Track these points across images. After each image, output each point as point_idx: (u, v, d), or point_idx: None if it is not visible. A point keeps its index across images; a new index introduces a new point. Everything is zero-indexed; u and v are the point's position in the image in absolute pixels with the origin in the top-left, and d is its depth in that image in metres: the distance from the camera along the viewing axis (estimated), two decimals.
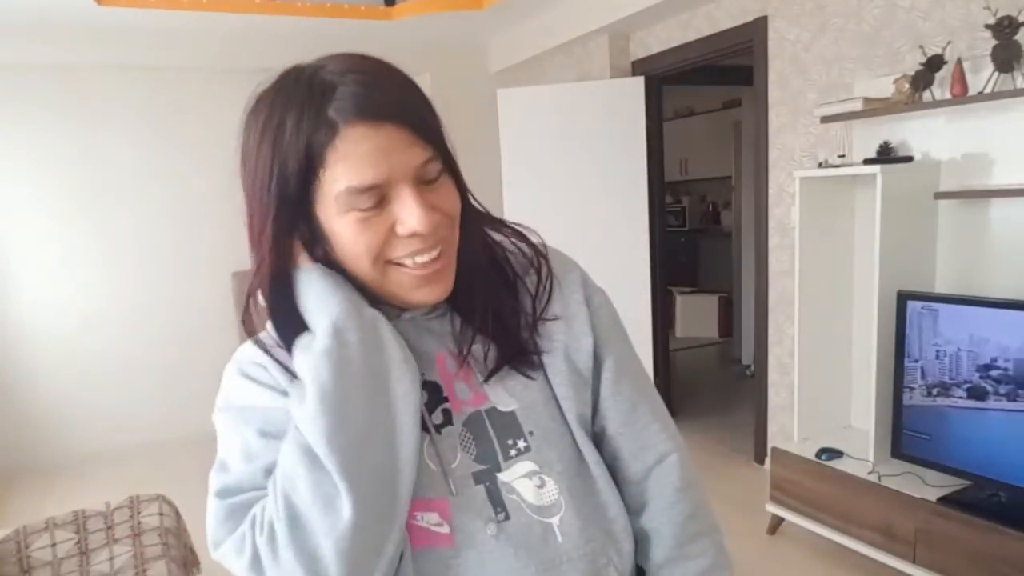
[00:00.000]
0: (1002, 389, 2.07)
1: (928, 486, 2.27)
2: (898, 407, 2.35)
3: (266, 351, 0.71)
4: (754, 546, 2.74)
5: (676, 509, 0.76)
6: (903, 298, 2.32)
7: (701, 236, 7.05)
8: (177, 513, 2.25)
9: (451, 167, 0.69)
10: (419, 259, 0.66)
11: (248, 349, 0.74)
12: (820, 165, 2.73)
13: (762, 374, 3.35)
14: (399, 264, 0.67)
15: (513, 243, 0.78)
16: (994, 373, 2.09)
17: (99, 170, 4.18)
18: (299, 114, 0.64)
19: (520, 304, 0.75)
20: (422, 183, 0.66)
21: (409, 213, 0.64)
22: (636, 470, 0.77)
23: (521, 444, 0.71)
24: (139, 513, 2.14)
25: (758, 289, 3.34)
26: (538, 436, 0.72)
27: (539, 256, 0.78)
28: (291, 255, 0.68)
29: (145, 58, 4.09)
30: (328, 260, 0.69)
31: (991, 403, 2.10)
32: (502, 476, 0.70)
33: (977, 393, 2.13)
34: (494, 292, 0.74)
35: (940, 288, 2.44)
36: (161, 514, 2.16)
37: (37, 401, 4.12)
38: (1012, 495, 2.08)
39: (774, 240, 3.19)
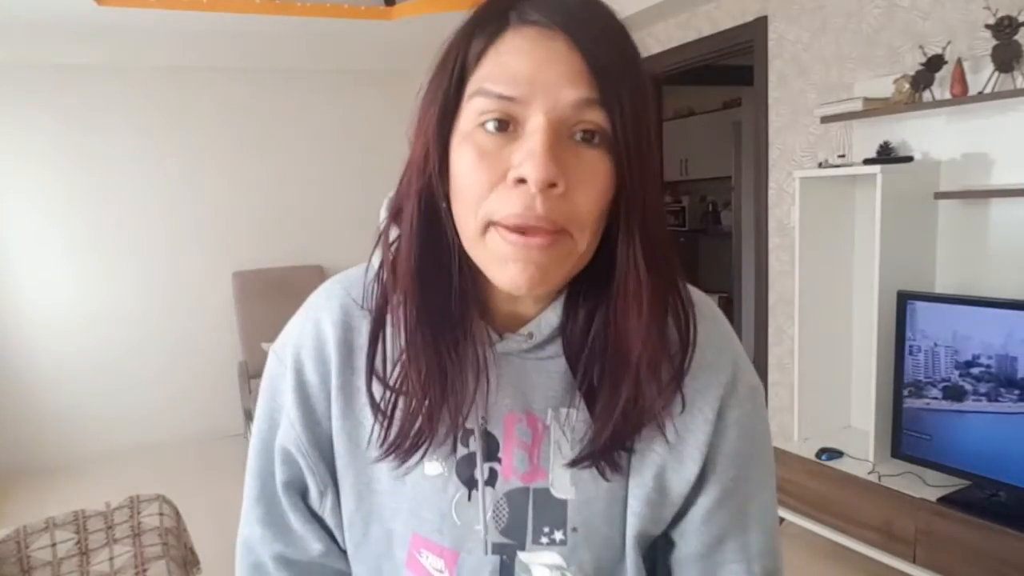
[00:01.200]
0: (1002, 390, 2.07)
1: (928, 486, 2.27)
2: (898, 407, 2.35)
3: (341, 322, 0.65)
4: None
5: None
6: (903, 298, 2.32)
7: (701, 236, 7.04)
8: (177, 513, 2.25)
9: (623, 150, 0.53)
10: (520, 223, 0.52)
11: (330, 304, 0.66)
12: (820, 165, 2.73)
13: (762, 374, 3.35)
14: (500, 225, 0.53)
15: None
16: (993, 373, 2.09)
17: (99, 170, 4.18)
18: (482, 17, 0.55)
19: (659, 391, 0.59)
20: (568, 134, 0.52)
21: (528, 152, 0.51)
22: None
23: (558, 536, 0.63)
24: (139, 513, 2.14)
25: (758, 289, 3.34)
26: (581, 535, 0.63)
27: (688, 328, 0.61)
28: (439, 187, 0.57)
29: (145, 58, 4.09)
30: (448, 220, 0.58)
31: (992, 403, 2.10)
32: (522, 555, 0.63)
33: (977, 393, 2.13)
34: (640, 367, 0.58)
35: (940, 288, 2.44)
36: (161, 514, 2.16)
37: (37, 401, 4.12)
38: (1012, 495, 2.08)
39: (774, 240, 3.19)
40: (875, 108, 2.45)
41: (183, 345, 4.41)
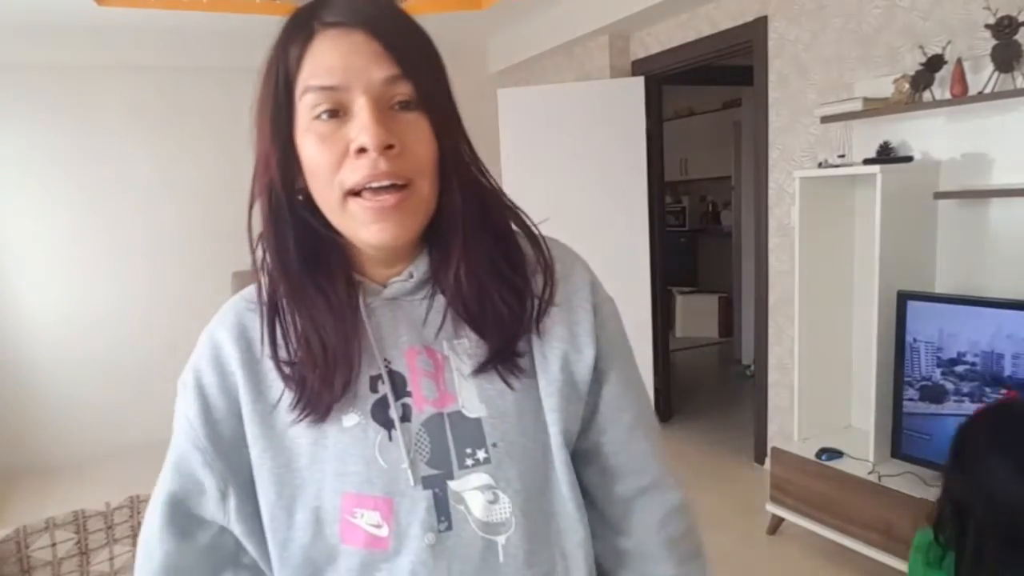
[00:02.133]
0: (1002, 390, 2.07)
1: (928, 486, 2.27)
2: (898, 407, 2.35)
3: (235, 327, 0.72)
4: (754, 546, 2.74)
5: (670, 528, 0.74)
6: (903, 298, 2.32)
7: (701, 236, 7.05)
8: None
9: (433, 108, 0.65)
10: (372, 185, 0.62)
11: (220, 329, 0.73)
12: (820, 165, 2.73)
13: (762, 374, 3.35)
14: (358, 195, 0.63)
15: (519, 228, 0.72)
16: (992, 372, 2.09)
17: (99, 170, 4.18)
18: (291, 31, 0.65)
19: (520, 299, 0.69)
20: (387, 107, 0.63)
21: (360, 125, 0.61)
22: (627, 488, 0.73)
23: (480, 455, 0.67)
24: (139, 513, 2.14)
25: (758, 289, 3.34)
26: (502, 449, 0.67)
27: (542, 248, 0.72)
28: (291, 187, 0.66)
29: (145, 58, 4.09)
30: (310, 204, 0.67)
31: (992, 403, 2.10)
32: (453, 484, 0.66)
33: (977, 394, 2.13)
34: (494, 277, 0.68)
35: (940, 288, 2.44)
36: None
37: (37, 401, 4.12)
38: None
39: (774, 240, 3.19)
40: (875, 108, 2.45)
41: (183, 345, 4.33)
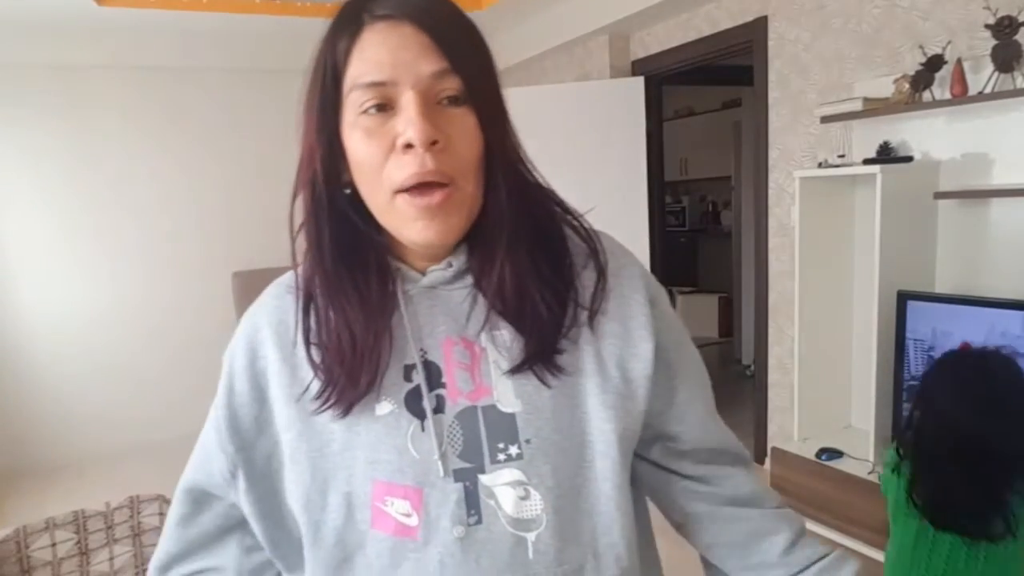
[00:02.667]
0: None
1: None
2: (898, 407, 2.35)
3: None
4: None
5: (759, 491, 0.77)
6: (903, 298, 2.32)
7: (701, 236, 7.05)
8: None
9: (480, 103, 0.64)
10: (418, 181, 0.62)
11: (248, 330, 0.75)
12: (820, 165, 2.73)
13: (762, 374, 3.35)
14: (404, 192, 0.63)
15: (567, 224, 0.72)
16: None
17: (99, 170, 4.18)
18: (339, 24, 0.65)
19: (561, 301, 0.68)
20: (435, 102, 0.62)
21: (407, 120, 0.61)
22: (710, 469, 0.75)
23: (513, 450, 0.66)
24: (139, 513, 2.14)
25: (758, 289, 3.34)
26: (535, 446, 0.66)
27: (594, 245, 0.71)
28: (338, 179, 0.67)
29: (145, 58, 4.09)
30: (355, 198, 0.67)
31: None
32: (484, 479, 0.65)
33: None
34: (536, 278, 0.68)
35: (940, 288, 2.44)
36: (161, 514, 2.16)
37: (37, 401, 4.12)
38: None
39: (774, 240, 3.19)
40: (875, 108, 2.45)
41: (183, 345, 4.41)
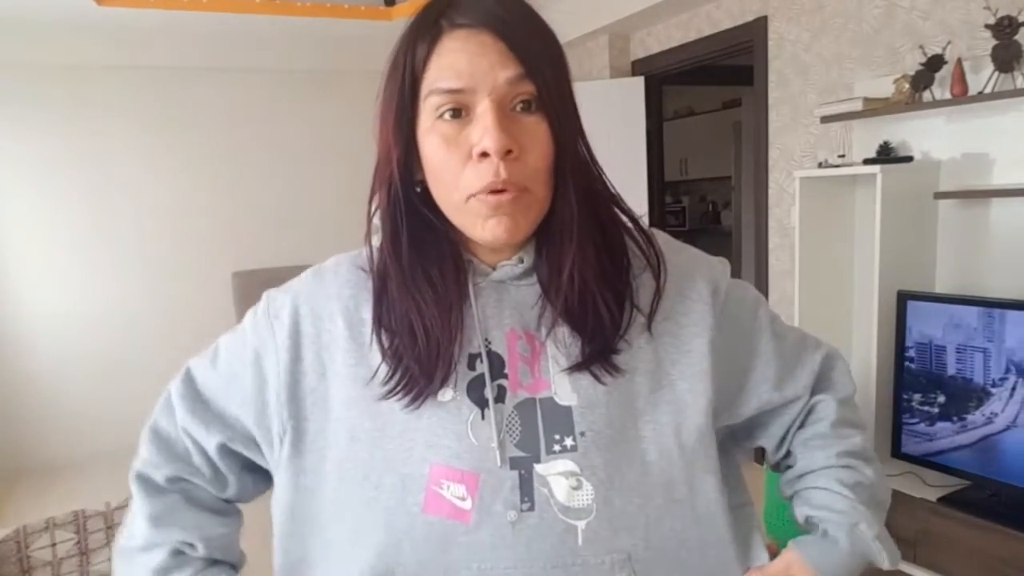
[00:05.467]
0: (1002, 389, 2.07)
1: (928, 486, 2.27)
2: (898, 407, 2.35)
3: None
4: None
5: (835, 422, 0.79)
6: (903, 298, 2.32)
7: (701, 236, 7.04)
8: None
9: (553, 110, 0.66)
10: (492, 188, 0.64)
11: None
12: (820, 165, 2.73)
13: None
14: (478, 195, 0.65)
15: (629, 229, 0.74)
16: (995, 372, 2.09)
17: (99, 170, 4.18)
18: (420, 21, 0.66)
19: (621, 304, 0.71)
20: (509, 108, 0.64)
21: (482, 129, 0.63)
22: (789, 418, 0.81)
23: (568, 442, 0.68)
24: None
25: (758, 289, 3.34)
26: (589, 439, 0.68)
27: (651, 245, 0.74)
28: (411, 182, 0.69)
29: (145, 58, 4.09)
30: (427, 197, 0.69)
31: (992, 402, 2.10)
32: (539, 468, 0.68)
33: (978, 393, 2.13)
34: (601, 283, 0.70)
35: (940, 288, 2.44)
36: None
37: (37, 401, 4.12)
38: (1012, 495, 2.08)
39: (774, 240, 3.19)
40: (875, 108, 2.45)
41: (183, 345, 4.35)
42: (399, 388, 0.68)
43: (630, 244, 0.74)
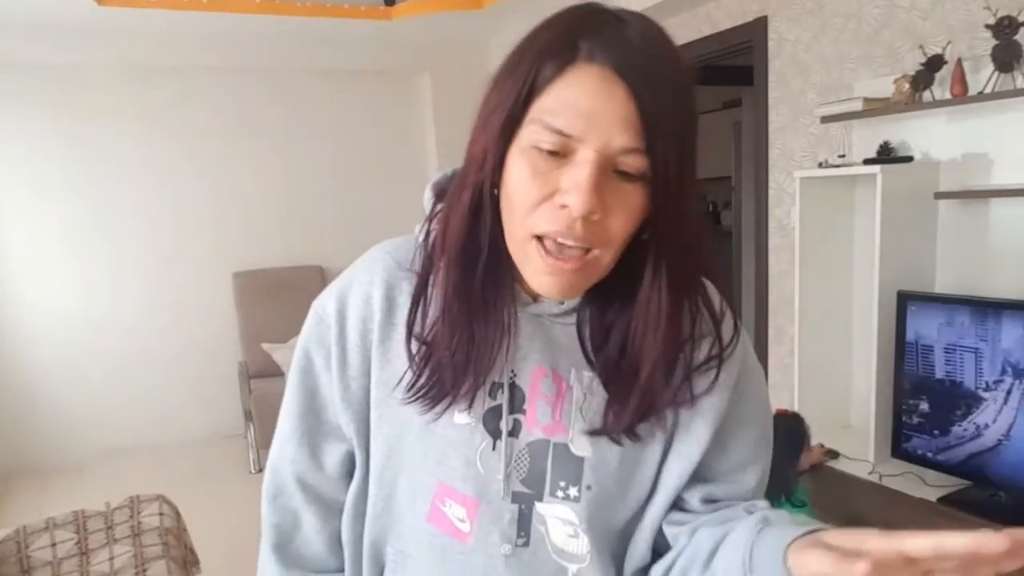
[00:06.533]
0: (1002, 389, 2.07)
1: (928, 486, 2.27)
2: (898, 407, 2.35)
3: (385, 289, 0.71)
4: None
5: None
6: (903, 298, 2.32)
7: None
8: (177, 513, 2.25)
9: (660, 184, 0.59)
10: (560, 240, 0.59)
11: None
12: (820, 165, 2.73)
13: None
14: (541, 239, 0.61)
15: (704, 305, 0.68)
16: (993, 373, 2.09)
17: (99, 170, 4.18)
18: (558, 32, 0.60)
19: (676, 370, 0.66)
20: (612, 170, 0.58)
21: (574, 183, 0.57)
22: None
23: (572, 492, 0.67)
24: (139, 513, 2.14)
25: (758, 289, 3.34)
26: (594, 493, 0.68)
27: (724, 326, 0.68)
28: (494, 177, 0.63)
29: (145, 58, 4.09)
30: (495, 214, 0.65)
31: (992, 402, 2.10)
32: (539, 506, 0.68)
33: (977, 393, 2.13)
34: (650, 379, 0.65)
35: (940, 288, 2.44)
36: (161, 514, 2.16)
37: (37, 401, 4.12)
38: (1012, 495, 2.08)
39: (774, 240, 3.19)
40: (875, 108, 2.45)
41: (183, 345, 4.41)
42: (422, 395, 0.67)
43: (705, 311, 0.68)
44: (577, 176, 0.57)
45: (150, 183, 4.30)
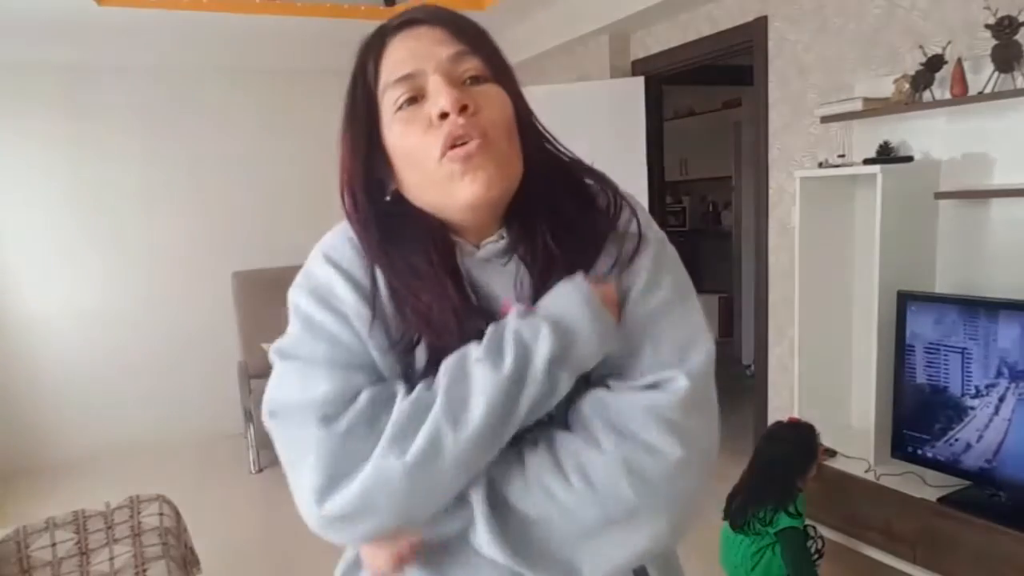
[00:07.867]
0: (1001, 389, 2.07)
1: (928, 486, 2.27)
2: (898, 407, 2.35)
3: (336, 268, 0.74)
4: None
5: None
6: (903, 298, 2.32)
7: (701, 236, 7.04)
8: (177, 513, 2.25)
9: (504, 80, 0.71)
10: (455, 138, 0.67)
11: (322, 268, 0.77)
12: (820, 165, 2.73)
13: (762, 374, 3.35)
14: (446, 155, 0.68)
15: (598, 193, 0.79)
16: (993, 373, 2.09)
17: (99, 170, 4.19)
18: (366, 50, 0.73)
19: (599, 259, 0.74)
20: (460, 82, 0.69)
21: (437, 94, 0.67)
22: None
23: None
24: (139, 513, 2.14)
25: (758, 289, 3.34)
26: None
27: (625, 206, 0.78)
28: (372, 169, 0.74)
29: (145, 58, 4.09)
30: (400, 198, 0.74)
31: (992, 403, 2.10)
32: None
33: (977, 393, 2.13)
34: (574, 249, 0.74)
35: (940, 288, 2.44)
36: (161, 514, 2.16)
37: (37, 401, 4.12)
38: (1012, 495, 2.08)
39: (774, 240, 3.19)
40: (875, 108, 2.45)
41: (183, 345, 4.41)
42: (393, 349, 0.72)
43: (601, 209, 0.78)
44: (434, 89, 0.68)
45: (150, 183, 4.30)
